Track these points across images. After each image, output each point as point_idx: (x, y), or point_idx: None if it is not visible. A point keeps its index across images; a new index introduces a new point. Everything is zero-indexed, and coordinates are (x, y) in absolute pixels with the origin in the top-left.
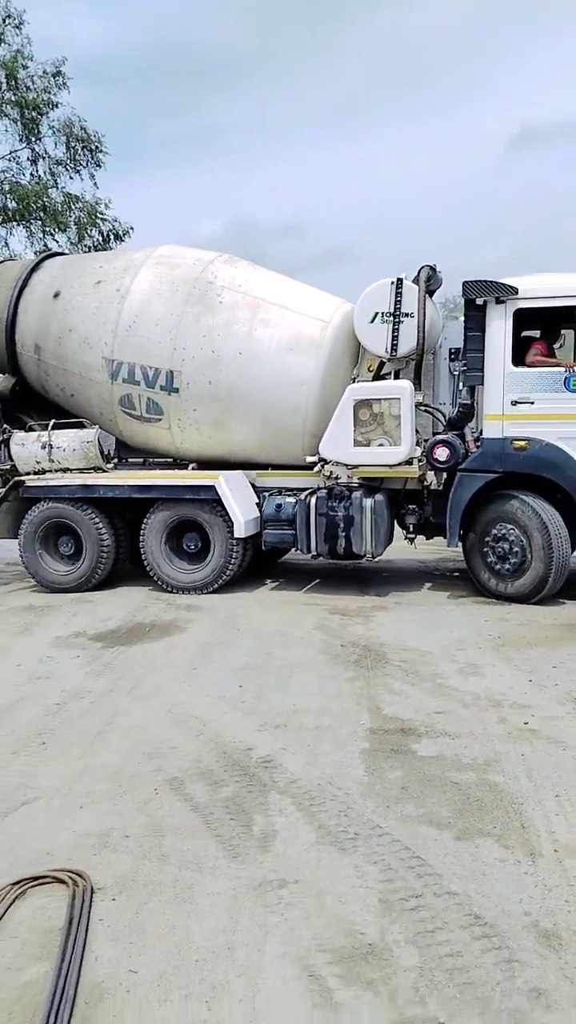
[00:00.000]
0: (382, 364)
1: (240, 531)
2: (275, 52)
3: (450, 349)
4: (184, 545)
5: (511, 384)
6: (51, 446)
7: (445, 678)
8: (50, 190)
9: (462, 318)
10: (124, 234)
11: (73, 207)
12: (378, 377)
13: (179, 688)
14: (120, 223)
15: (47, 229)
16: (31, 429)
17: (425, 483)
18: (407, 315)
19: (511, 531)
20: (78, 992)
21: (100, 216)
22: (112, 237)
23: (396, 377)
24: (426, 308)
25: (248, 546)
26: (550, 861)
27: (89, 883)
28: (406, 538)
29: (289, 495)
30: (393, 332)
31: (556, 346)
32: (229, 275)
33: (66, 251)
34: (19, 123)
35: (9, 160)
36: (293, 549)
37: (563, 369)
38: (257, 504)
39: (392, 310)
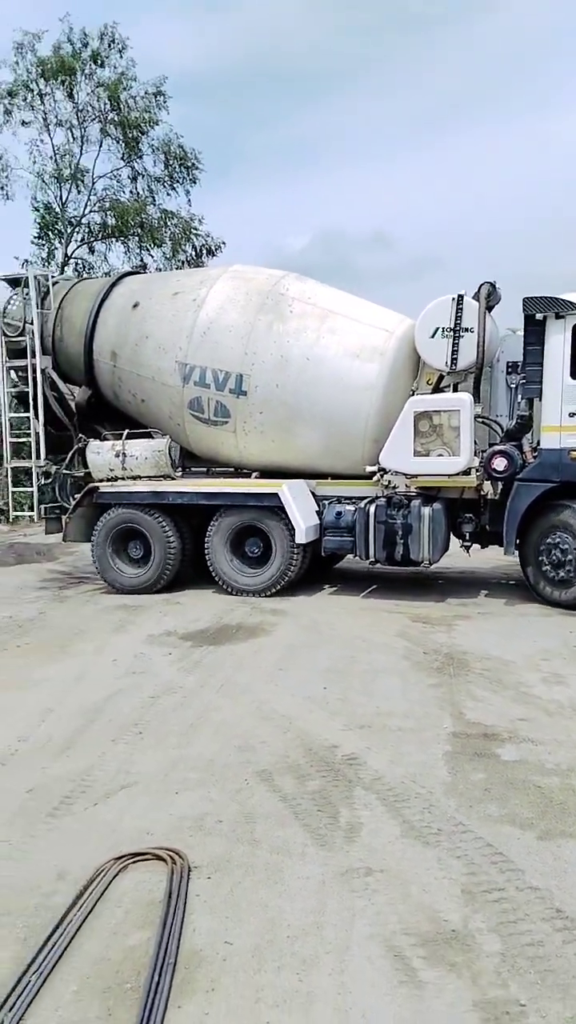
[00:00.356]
0: (441, 377)
1: (301, 537)
2: (361, 62)
3: (508, 363)
4: (247, 550)
5: (569, 396)
6: (125, 455)
7: (528, 686)
8: (148, 207)
9: (519, 333)
10: (216, 249)
11: (168, 223)
12: (437, 390)
13: (266, 687)
14: (212, 238)
15: (143, 244)
16: (105, 439)
17: (482, 493)
18: (467, 330)
19: (566, 539)
20: (179, 958)
21: (194, 232)
22: (205, 252)
23: (455, 390)
24: (485, 323)
25: (308, 552)
26: None
27: (187, 861)
28: (462, 546)
29: (348, 503)
30: (453, 346)
31: None
32: (299, 289)
33: (159, 266)
34: (121, 143)
35: (111, 178)
36: (351, 555)
37: None
38: (317, 512)
39: (452, 325)
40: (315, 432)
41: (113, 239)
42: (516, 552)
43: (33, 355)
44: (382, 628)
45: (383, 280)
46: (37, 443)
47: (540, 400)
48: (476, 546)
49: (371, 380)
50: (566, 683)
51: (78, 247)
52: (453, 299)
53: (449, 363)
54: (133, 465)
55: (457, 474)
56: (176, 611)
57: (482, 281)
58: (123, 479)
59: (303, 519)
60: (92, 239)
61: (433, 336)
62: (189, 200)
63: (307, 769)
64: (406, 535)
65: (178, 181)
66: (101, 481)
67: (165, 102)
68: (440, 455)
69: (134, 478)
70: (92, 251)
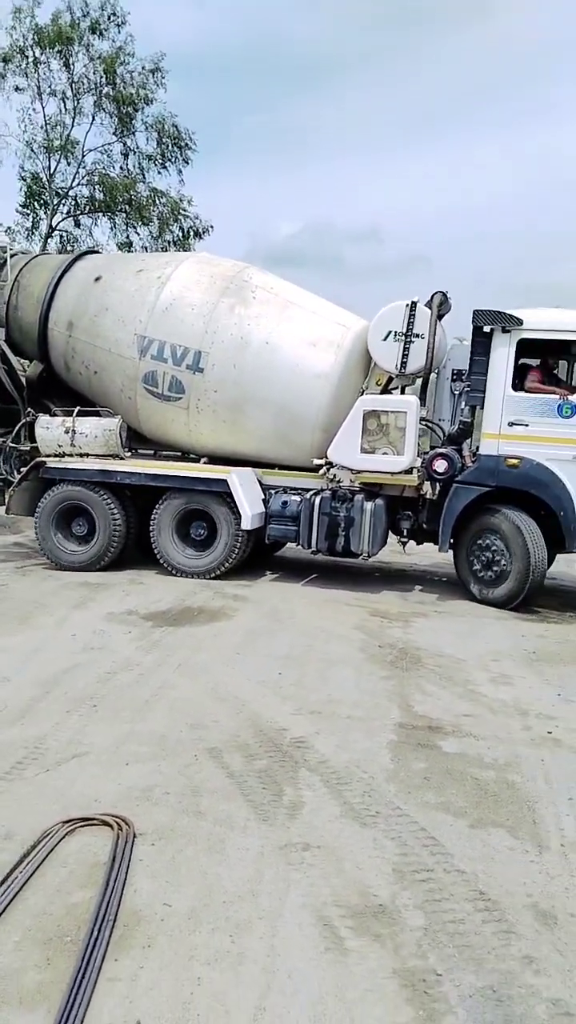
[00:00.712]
0: (390, 379)
1: (247, 523)
2: (360, 54)
3: (453, 370)
4: (192, 533)
5: (509, 407)
6: (74, 431)
7: (476, 685)
8: (137, 184)
9: (466, 342)
10: (204, 232)
11: (157, 202)
12: (385, 391)
13: (223, 669)
14: (200, 220)
15: (130, 222)
16: (55, 414)
17: (421, 492)
18: (418, 336)
19: (495, 542)
20: (118, 916)
21: (183, 213)
22: (192, 234)
23: (402, 392)
24: (436, 331)
25: (251, 538)
26: (556, 854)
27: (132, 828)
28: (399, 542)
29: (294, 494)
30: (404, 350)
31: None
32: (262, 279)
33: (144, 245)
34: (114, 117)
35: (102, 153)
36: (294, 544)
37: (557, 397)
38: (263, 500)
39: (405, 330)
40: (267, 415)
41: (100, 214)
42: (450, 550)
43: None
44: (341, 620)
45: (369, 274)
46: None
47: (482, 408)
48: (412, 542)
49: (326, 369)
50: (513, 684)
51: (63, 219)
52: (407, 305)
53: (399, 366)
54: (82, 442)
55: (400, 472)
56: (139, 591)
57: (435, 290)
58: (71, 456)
59: (250, 506)
60: (79, 212)
61: (386, 339)
62: (182, 179)
63: (256, 749)
64: (348, 527)
65: (170, 160)
66: (48, 456)
67: (163, 80)
68: (385, 453)
69: (82, 455)
70: (78, 224)
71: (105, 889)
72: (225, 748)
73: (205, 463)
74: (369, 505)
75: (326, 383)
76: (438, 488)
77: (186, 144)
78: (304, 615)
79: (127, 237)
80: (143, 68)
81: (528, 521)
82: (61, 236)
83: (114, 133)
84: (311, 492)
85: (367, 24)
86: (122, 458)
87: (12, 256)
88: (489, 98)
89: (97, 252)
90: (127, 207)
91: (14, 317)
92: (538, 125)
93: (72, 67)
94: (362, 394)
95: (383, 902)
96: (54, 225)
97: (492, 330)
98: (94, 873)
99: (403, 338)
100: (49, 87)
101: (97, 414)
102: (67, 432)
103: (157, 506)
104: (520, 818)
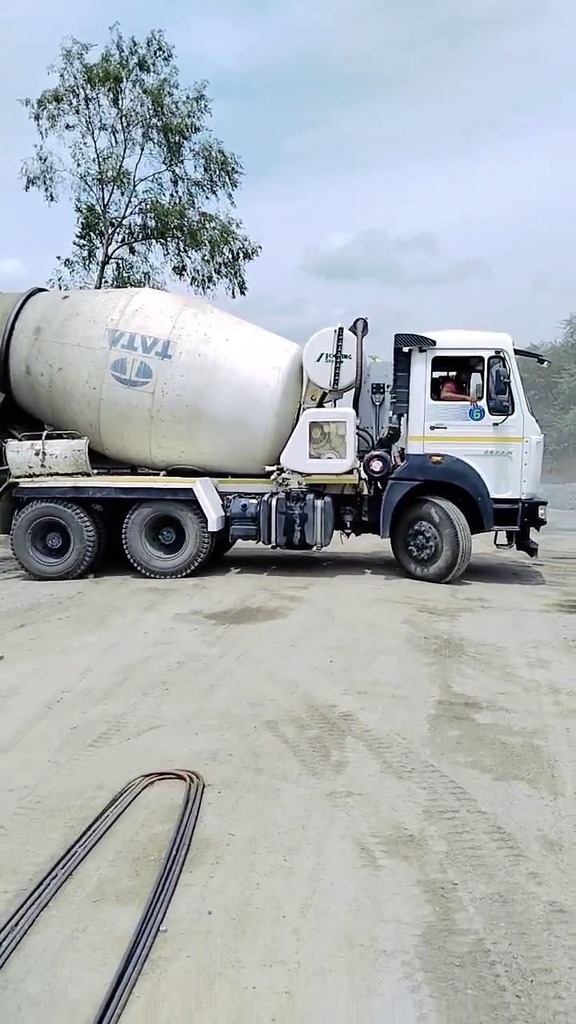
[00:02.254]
0: (324, 394)
1: (213, 526)
2: (407, 67)
3: (372, 384)
4: (161, 538)
5: (430, 413)
6: (44, 453)
7: (513, 668)
8: (188, 210)
9: (379, 360)
10: (252, 252)
11: (207, 226)
12: (320, 405)
13: (279, 659)
14: (250, 242)
15: (182, 247)
16: (25, 438)
17: (359, 490)
18: (346, 356)
19: (427, 527)
20: (192, 842)
21: (232, 235)
22: (241, 255)
23: (334, 405)
24: (362, 351)
25: (214, 539)
26: (569, 799)
27: (202, 781)
28: (343, 533)
29: (251, 498)
30: (335, 370)
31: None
32: (215, 307)
33: (196, 268)
34: (163, 147)
35: (152, 181)
36: (255, 541)
37: (468, 403)
38: (223, 505)
39: (335, 352)
40: (228, 399)
41: (153, 240)
42: (389, 537)
43: None
44: (390, 616)
45: (425, 282)
46: None
47: (407, 416)
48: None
49: (271, 383)
50: (548, 668)
51: (118, 247)
52: (335, 331)
53: (332, 383)
54: (52, 463)
55: (343, 473)
56: (202, 594)
57: (357, 317)
58: (41, 475)
59: (214, 510)
60: (132, 240)
61: (319, 360)
62: (233, 203)
63: (307, 721)
64: (303, 523)
65: (218, 185)
66: (19, 478)
67: (206, 107)
68: (330, 457)
69: (52, 475)
70: (133, 251)
71: (180, 823)
72: (280, 721)
73: (165, 476)
74: (319, 503)
75: (273, 395)
76: (373, 486)
77: (233, 168)
78: (355, 612)
79: (180, 261)
80: (187, 97)
81: (453, 508)
82: (117, 263)
83: (163, 162)
84: (266, 495)
85: (412, 37)
86: (90, 475)
87: None
88: (539, 101)
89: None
90: (179, 232)
91: None
92: None
93: (121, 102)
94: (300, 408)
95: (413, 834)
96: (110, 254)
97: (411, 350)
98: (171, 813)
99: (334, 359)
100: (100, 122)
101: (64, 436)
102: (37, 454)
103: (128, 516)
104: (540, 773)
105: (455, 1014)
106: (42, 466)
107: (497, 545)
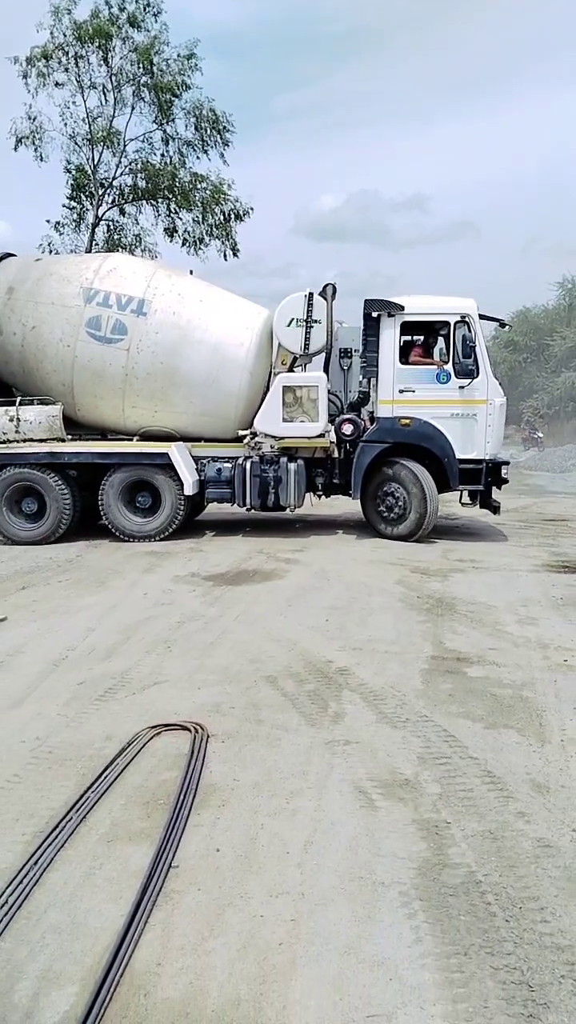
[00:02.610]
0: (295, 359)
1: (189, 489)
2: (400, 22)
3: (340, 349)
4: (137, 502)
5: (399, 377)
6: (19, 419)
7: (503, 625)
8: (179, 170)
9: (346, 325)
10: (244, 214)
11: (199, 186)
12: (290, 369)
13: (276, 618)
14: (241, 203)
15: (173, 207)
16: None
17: (329, 453)
18: (316, 321)
19: (396, 488)
20: (198, 787)
21: (223, 196)
22: (233, 216)
23: (304, 369)
24: (332, 316)
25: (189, 503)
26: (556, 746)
27: (206, 731)
28: (316, 495)
29: (225, 462)
30: (306, 334)
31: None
32: (188, 273)
33: (187, 229)
34: (154, 106)
35: (143, 141)
36: (229, 504)
37: (435, 367)
38: (197, 469)
39: (305, 317)
40: (202, 357)
41: (144, 201)
42: (359, 497)
43: None
44: (384, 576)
45: (416, 243)
46: None
47: (376, 380)
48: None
49: (245, 343)
50: (537, 624)
51: (109, 209)
52: (305, 296)
53: (303, 347)
54: (27, 429)
55: (315, 436)
56: (199, 557)
57: (326, 282)
58: (16, 442)
59: (189, 474)
60: (123, 201)
61: (289, 325)
62: (225, 161)
63: (305, 676)
64: (276, 486)
65: (209, 144)
66: None
67: (197, 66)
68: (302, 421)
69: (26, 440)
70: (123, 213)
71: (187, 770)
72: (279, 676)
73: (138, 441)
74: (292, 466)
75: (247, 353)
76: (343, 449)
77: (224, 127)
78: (350, 573)
79: (171, 223)
80: (178, 55)
81: (421, 469)
82: (108, 225)
83: (154, 121)
84: (240, 458)
85: None
86: (64, 440)
87: None
88: (534, 59)
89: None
90: (169, 193)
91: None
92: None
93: (111, 60)
94: (271, 373)
95: (408, 778)
96: (100, 215)
97: (379, 316)
98: (177, 761)
99: (304, 324)
100: (89, 80)
101: (38, 402)
102: (11, 420)
103: (104, 481)
104: (528, 722)
105: (449, 936)
106: (16, 432)
107: (462, 504)
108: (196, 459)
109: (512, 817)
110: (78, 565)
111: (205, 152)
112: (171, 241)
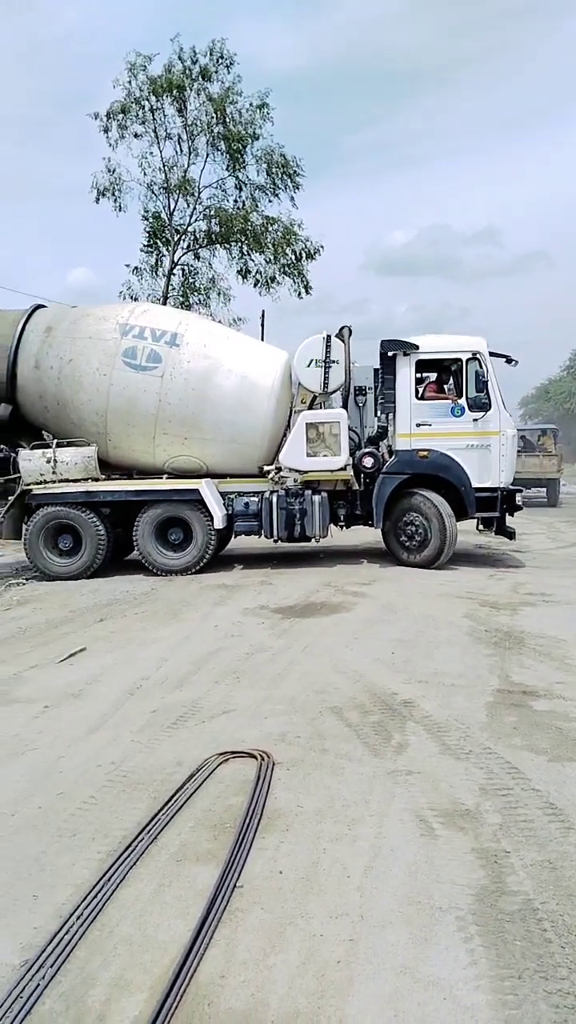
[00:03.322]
0: (315, 397)
1: (219, 523)
2: (463, 58)
3: (355, 387)
4: (169, 537)
5: (415, 412)
6: (56, 460)
7: (572, 659)
8: (251, 214)
9: (358, 364)
10: (315, 252)
11: (270, 228)
12: (310, 408)
13: (342, 650)
14: (312, 242)
15: (245, 250)
16: (35, 447)
17: (350, 485)
18: (334, 362)
19: (416, 517)
20: (263, 812)
21: (294, 236)
22: (304, 256)
23: (323, 407)
24: (349, 357)
25: (218, 536)
26: None
27: (272, 759)
28: (338, 526)
29: (251, 496)
30: (325, 374)
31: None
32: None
33: (259, 270)
34: (226, 154)
35: (216, 188)
36: (257, 536)
37: (449, 402)
38: (224, 504)
39: (323, 358)
40: (231, 384)
41: (217, 245)
42: (381, 527)
43: None
44: (452, 610)
45: (488, 275)
46: None
47: (394, 414)
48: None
49: (268, 383)
50: None
51: (184, 254)
52: (323, 338)
53: (323, 386)
54: (63, 469)
55: (338, 470)
56: (268, 591)
57: (342, 325)
58: (52, 482)
59: (219, 509)
60: (197, 246)
61: (308, 366)
62: (295, 204)
63: (370, 707)
64: (302, 518)
65: (280, 188)
66: (31, 485)
67: (269, 115)
68: (325, 455)
69: (63, 481)
70: (197, 257)
71: (253, 795)
72: (344, 707)
73: (167, 479)
74: (317, 498)
75: (270, 394)
76: (364, 481)
77: (294, 171)
78: (417, 607)
79: (244, 265)
80: (250, 105)
81: (439, 499)
82: (183, 270)
83: (226, 168)
84: (266, 492)
85: (468, 27)
86: (99, 479)
87: None
88: None
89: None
90: (242, 236)
91: None
92: None
93: (185, 111)
94: (291, 411)
95: (469, 808)
96: (176, 260)
97: (395, 355)
98: (244, 787)
99: (323, 364)
100: (165, 131)
101: (74, 444)
102: (48, 462)
103: (138, 518)
104: None
105: (504, 960)
106: (53, 472)
107: (478, 530)
108: (223, 494)
109: (572, 848)
110: (153, 598)
111: (276, 195)
112: (244, 282)
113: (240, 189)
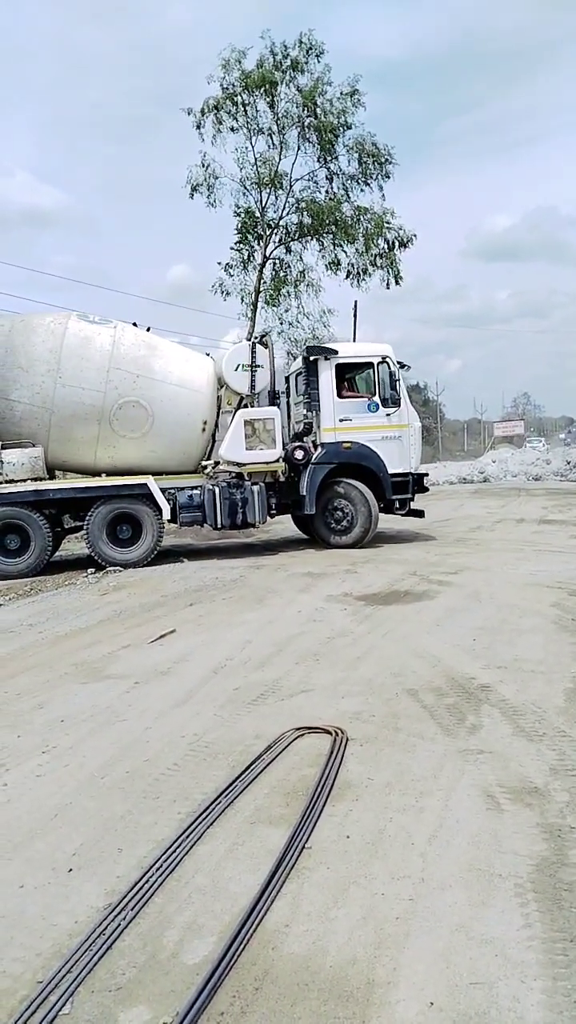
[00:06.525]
0: (242, 398)
1: (167, 515)
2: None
3: (279, 390)
4: (119, 533)
5: (338, 409)
6: (2, 461)
7: None
8: (342, 204)
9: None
10: (408, 242)
11: (362, 219)
12: (239, 407)
13: (423, 636)
14: (404, 231)
15: (337, 242)
16: None
17: (277, 477)
18: (259, 366)
19: (344, 504)
20: (335, 783)
21: (387, 225)
22: (397, 245)
23: (249, 407)
24: (273, 361)
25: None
26: None
27: (346, 735)
28: (268, 514)
29: (193, 490)
30: (251, 377)
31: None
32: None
33: (351, 262)
34: (317, 146)
35: (308, 180)
36: (200, 526)
37: (365, 399)
38: (167, 498)
39: (250, 363)
40: (165, 391)
41: (308, 238)
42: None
43: None
44: (539, 599)
45: None
46: None
47: (318, 412)
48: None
49: (202, 386)
50: None
51: (275, 248)
52: (249, 345)
53: (250, 388)
54: (10, 470)
55: (273, 462)
56: (353, 578)
57: (263, 331)
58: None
59: (166, 502)
60: (289, 240)
61: (236, 370)
62: (383, 195)
63: (446, 690)
64: (244, 506)
65: (371, 177)
66: None
67: (360, 101)
68: (262, 449)
69: (9, 481)
70: (289, 251)
71: (326, 767)
72: (421, 689)
73: (106, 476)
74: (256, 488)
75: (204, 396)
76: (290, 473)
77: (386, 159)
78: (503, 595)
79: (335, 257)
80: (341, 93)
81: (363, 487)
82: (274, 263)
83: (318, 160)
84: (207, 485)
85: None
86: (44, 479)
87: None
88: None
89: None
90: (333, 228)
91: None
92: None
93: (276, 105)
94: (219, 412)
95: (537, 786)
96: (267, 255)
97: (317, 359)
98: (318, 760)
99: (249, 368)
100: (257, 126)
101: (20, 445)
102: None
103: (89, 515)
104: None
105: (558, 925)
106: (0, 474)
107: (400, 514)
108: (163, 490)
109: None
110: (240, 584)
111: (368, 185)
112: (334, 274)
113: (331, 180)
